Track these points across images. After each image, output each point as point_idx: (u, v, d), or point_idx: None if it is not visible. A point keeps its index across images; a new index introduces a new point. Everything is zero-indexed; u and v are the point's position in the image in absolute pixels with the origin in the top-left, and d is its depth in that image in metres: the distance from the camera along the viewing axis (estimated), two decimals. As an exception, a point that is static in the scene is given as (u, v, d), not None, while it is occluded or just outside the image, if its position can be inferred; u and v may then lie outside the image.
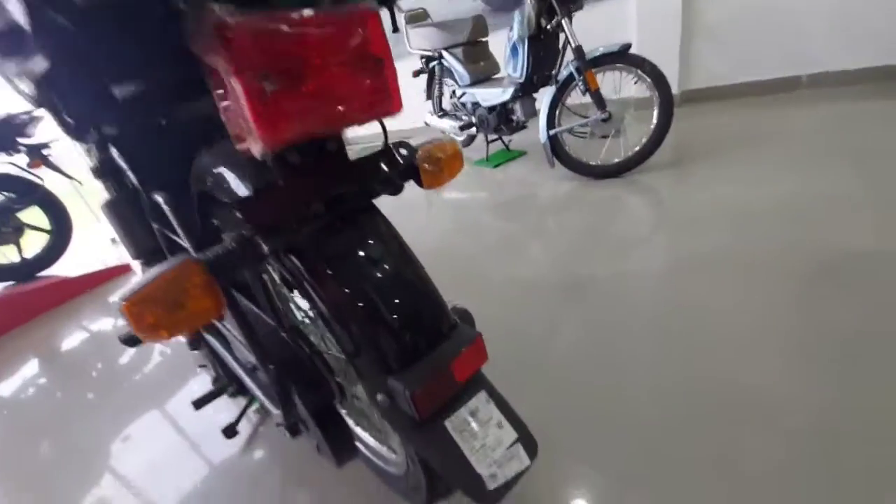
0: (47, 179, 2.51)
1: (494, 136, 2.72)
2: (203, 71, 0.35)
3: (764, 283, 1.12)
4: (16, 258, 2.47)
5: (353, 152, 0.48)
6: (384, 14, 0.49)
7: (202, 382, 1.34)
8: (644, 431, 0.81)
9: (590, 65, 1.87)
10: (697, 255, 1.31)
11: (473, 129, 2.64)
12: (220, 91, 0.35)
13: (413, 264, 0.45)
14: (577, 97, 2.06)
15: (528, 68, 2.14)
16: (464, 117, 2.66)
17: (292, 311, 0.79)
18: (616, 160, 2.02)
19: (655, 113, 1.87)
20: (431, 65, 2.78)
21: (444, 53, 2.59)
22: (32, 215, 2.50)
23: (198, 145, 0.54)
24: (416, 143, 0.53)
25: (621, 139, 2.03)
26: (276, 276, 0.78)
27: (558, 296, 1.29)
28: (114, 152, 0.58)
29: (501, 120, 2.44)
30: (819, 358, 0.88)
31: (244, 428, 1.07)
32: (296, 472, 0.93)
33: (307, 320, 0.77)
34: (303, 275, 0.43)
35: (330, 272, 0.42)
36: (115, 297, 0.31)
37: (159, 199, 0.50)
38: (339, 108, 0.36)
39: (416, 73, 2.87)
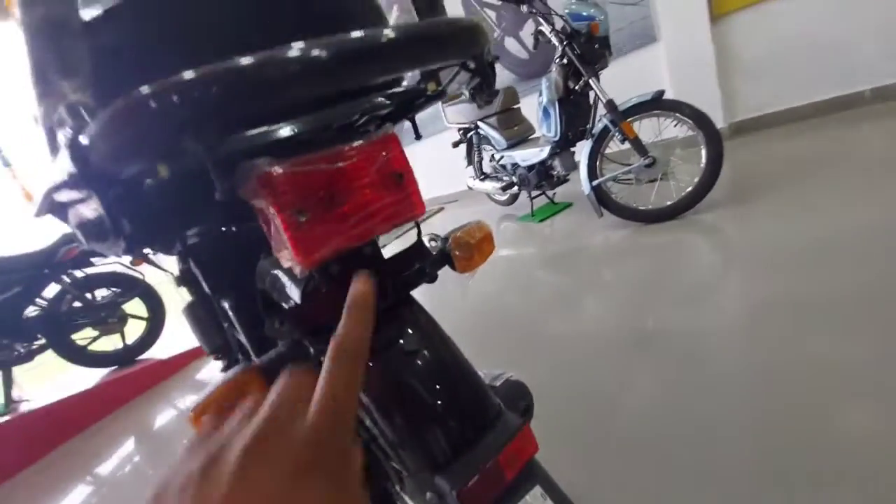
0: (147, 273, 2.90)
1: (537, 193, 2.77)
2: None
3: (858, 328, 0.99)
4: (119, 345, 2.80)
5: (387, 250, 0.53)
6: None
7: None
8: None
9: (624, 116, 1.89)
10: (775, 299, 1.18)
11: (515, 189, 2.71)
12: (265, 224, 0.41)
13: (453, 353, 0.47)
14: (616, 145, 2.07)
15: (561, 127, 2.21)
16: (504, 178, 2.75)
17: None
18: (668, 202, 1.96)
19: (703, 151, 1.82)
20: (469, 134, 2.95)
21: (480, 123, 2.76)
22: (133, 306, 2.87)
23: (259, 252, 0.63)
24: (451, 222, 0.57)
25: (671, 181, 1.97)
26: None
27: (621, 354, 1.21)
28: (191, 263, 0.68)
29: (542, 176, 2.49)
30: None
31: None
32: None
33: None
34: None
35: (371, 365, 0.45)
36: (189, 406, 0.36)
37: (225, 305, 0.57)
38: (368, 222, 0.40)
39: (456, 144, 3.06)
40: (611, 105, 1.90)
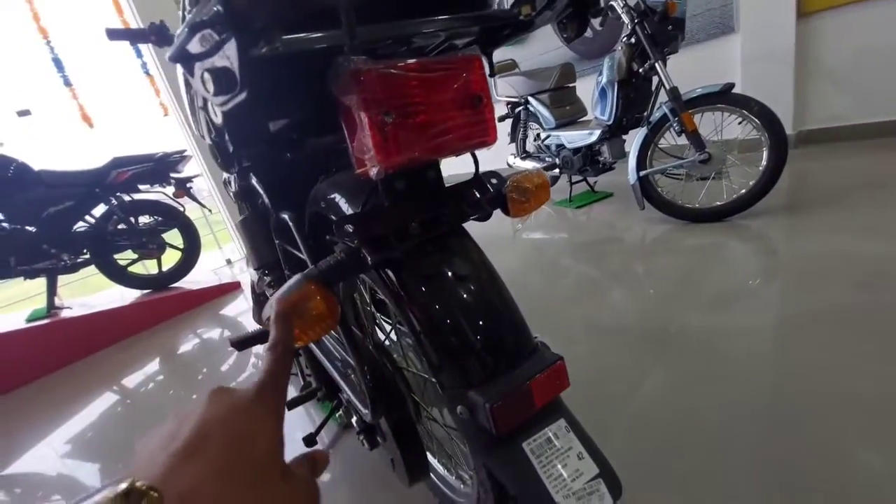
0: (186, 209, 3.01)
1: (578, 178, 2.70)
2: (338, 110, 0.42)
3: (888, 357, 0.93)
4: (155, 270, 2.95)
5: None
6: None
7: (290, 391, 1.44)
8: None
9: (686, 106, 1.80)
10: (813, 313, 1.13)
11: (556, 171, 2.65)
12: (351, 125, 0.41)
13: (498, 286, 0.47)
14: (671, 139, 1.98)
15: (617, 111, 2.13)
16: (546, 159, 2.68)
17: (377, 330, 0.84)
18: (717, 203, 1.88)
19: (765, 154, 1.72)
20: (517, 110, 2.88)
21: (530, 99, 2.68)
22: (172, 237, 2.99)
23: (317, 176, 0.64)
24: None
25: (723, 182, 1.89)
26: (366, 297, 0.85)
27: (642, 346, 1.19)
28: (253, 180, 0.70)
29: (587, 161, 2.42)
30: None
31: (324, 441, 1.13)
32: (362, 488, 0.95)
33: (389, 340, 0.82)
34: (398, 289, 0.47)
35: (422, 287, 0.46)
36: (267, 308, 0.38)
37: (286, 216, 0.58)
38: (445, 137, 0.40)
39: (502, 118, 2.99)
40: (674, 93, 1.81)
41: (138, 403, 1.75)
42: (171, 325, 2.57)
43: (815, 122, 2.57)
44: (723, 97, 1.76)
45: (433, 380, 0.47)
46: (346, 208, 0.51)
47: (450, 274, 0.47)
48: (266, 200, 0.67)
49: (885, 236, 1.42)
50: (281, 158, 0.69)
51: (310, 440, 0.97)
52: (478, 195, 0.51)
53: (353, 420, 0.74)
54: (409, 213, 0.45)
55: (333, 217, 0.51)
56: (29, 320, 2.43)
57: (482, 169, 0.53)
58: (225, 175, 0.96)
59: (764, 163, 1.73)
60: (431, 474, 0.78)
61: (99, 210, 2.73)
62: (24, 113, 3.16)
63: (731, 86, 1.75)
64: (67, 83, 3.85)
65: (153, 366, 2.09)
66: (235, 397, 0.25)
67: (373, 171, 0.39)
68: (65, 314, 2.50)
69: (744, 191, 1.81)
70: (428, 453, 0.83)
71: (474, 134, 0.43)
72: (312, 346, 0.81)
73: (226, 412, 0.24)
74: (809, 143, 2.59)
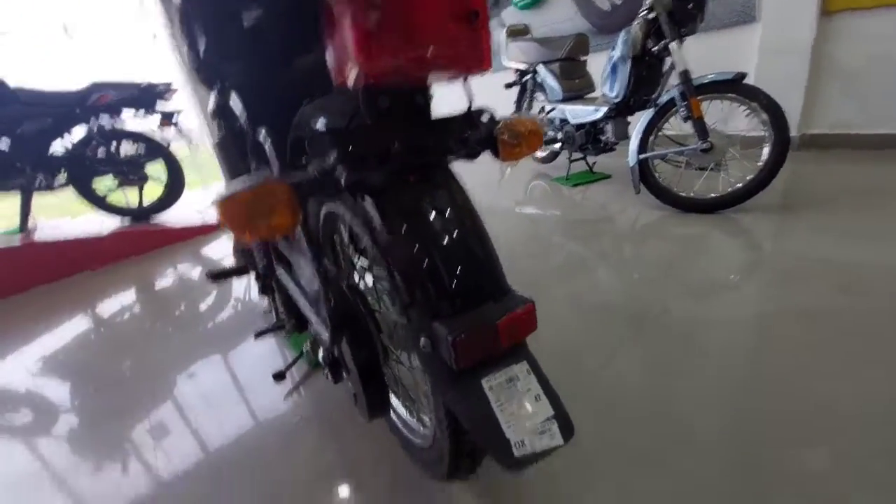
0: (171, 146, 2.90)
1: (578, 156, 2.66)
2: (320, 14, 0.39)
3: (868, 353, 0.96)
4: (135, 202, 2.87)
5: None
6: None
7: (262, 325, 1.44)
8: (685, 487, 0.73)
9: (696, 91, 1.76)
10: (791, 311, 1.14)
11: (557, 146, 2.60)
12: (331, 28, 0.38)
13: (477, 225, 0.45)
14: (676, 126, 1.95)
15: (626, 89, 2.07)
16: (549, 132, 2.63)
17: (355, 272, 0.82)
18: (712, 195, 1.87)
19: (766, 150, 1.70)
20: (525, 78, 2.79)
21: (540, 68, 2.59)
22: (155, 170, 2.89)
23: (301, 98, 0.60)
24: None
25: (721, 174, 1.87)
26: (345, 237, 0.83)
27: (620, 326, 1.20)
28: (233, 96, 0.66)
29: (589, 139, 2.37)
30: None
31: (294, 378, 1.14)
32: (329, 424, 0.96)
33: (364, 283, 0.80)
34: (374, 219, 0.45)
35: (398, 218, 0.44)
36: (214, 197, 0.36)
37: (262, 132, 0.55)
38: (433, 51, 0.37)
39: (509, 85, 2.90)
40: (685, 76, 1.76)
41: (111, 330, 1.73)
42: (150, 258, 2.52)
43: (821, 126, 2.54)
44: (733, 86, 1.72)
45: (402, 316, 0.46)
46: (329, 122, 0.48)
47: (429, 207, 0.45)
48: (244, 119, 0.63)
49: (870, 242, 1.44)
50: (263, 77, 0.64)
51: (280, 376, 0.97)
52: (468, 132, 0.48)
53: (320, 355, 0.74)
54: (391, 136, 0.42)
55: (316, 132, 0.48)
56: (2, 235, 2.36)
57: None
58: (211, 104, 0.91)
59: (764, 158, 1.71)
60: (393, 417, 0.79)
61: (79, 134, 2.61)
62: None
63: (744, 75, 1.71)
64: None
65: (129, 296, 2.06)
66: None
67: (351, 77, 0.36)
68: (38, 235, 2.43)
69: (740, 185, 1.80)
70: (393, 396, 0.84)
71: (466, 55, 0.39)
72: (284, 278, 0.79)
73: None
74: (811, 147, 2.58)
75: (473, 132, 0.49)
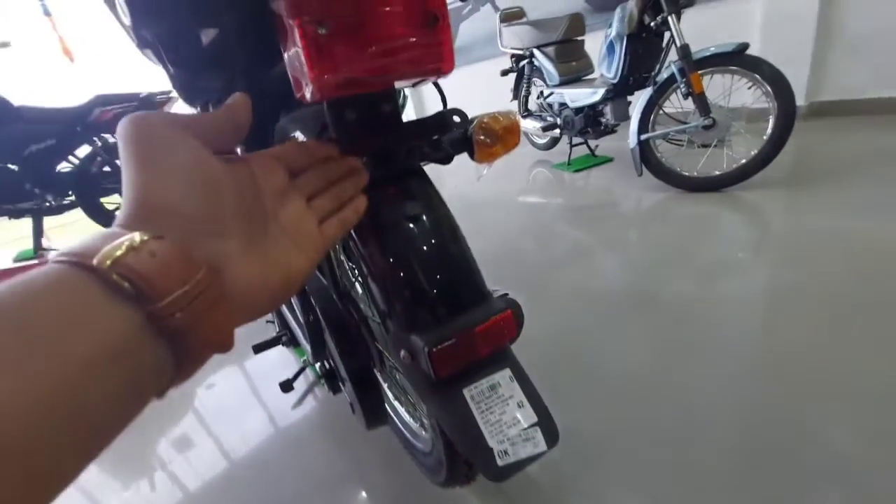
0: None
1: (579, 141, 2.61)
2: (276, 28, 0.38)
3: (881, 332, 0.93)
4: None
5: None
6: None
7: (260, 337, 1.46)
8: (694, 474, 0.71)
9: (696, 66, 1.70)
10: (801, 289, 1.11)
11: (556, 132, 2.56)
12: (284, 38, 0.37)
13: (454, 233, 0.45)
14: (677, 103, 1.89)
15: (623, 68, 2.02)
16: (548, 118, 2.58)
17: (348, 279, 0.82)
18: (717, 173, 1.82)
19: (771, 122, 1.65)
20: (521, 64, 2.74)
21: (536, 52, 2.53)
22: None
23: (278, 114, 0.59)
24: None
25: (725, 150, 1.82)
26: (338, 245, 0.82)
27: (625, 310, 1.18)
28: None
29: (588, 122, 2.33)
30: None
31: (301, 387, 1.15)
32: (337, 432, 0.97)
33: (359, 289, 0.80)
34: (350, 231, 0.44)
35: (372, 228, 0.43)
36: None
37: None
38: (391, 58, 0.36)
39: (505, 72, 2.85)
40: (684, 50, 1.70)
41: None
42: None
43: (829, 93, 2.45)
44: (735, 58, 1.66)
45: (381, 327, 0.45)
46: (305, 129, 0.47)
47: (403, 216, 0.44)
48: None
49: (879, 218, 1.39)
50: (241, 91, 0.64)
51: (286, 386, 0.98)
52: (439, 134, 0.47)
53: (317, 367, 0.74)
54: (359, 146, 0.42)
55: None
56: (16, 260, 2.42)
57: None
58: None
59: (769, 131, 1.66)
60: (396, 420, 0.79)
61: (84, 152, 2.65)
62: (2, 45, 3.00)
63: (746, 46, 1.65)
64: (47, 13, 3.62)
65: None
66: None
67: (307, 94, 0.35)
68: (52, 256, 2.49)
69: (744, 160, 1.75)
70: (395, 402, 0.84)
71: (427, 58, 0.38)
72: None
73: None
74: (820, 116, 2.49)
75: (447, 134, 0.48)
